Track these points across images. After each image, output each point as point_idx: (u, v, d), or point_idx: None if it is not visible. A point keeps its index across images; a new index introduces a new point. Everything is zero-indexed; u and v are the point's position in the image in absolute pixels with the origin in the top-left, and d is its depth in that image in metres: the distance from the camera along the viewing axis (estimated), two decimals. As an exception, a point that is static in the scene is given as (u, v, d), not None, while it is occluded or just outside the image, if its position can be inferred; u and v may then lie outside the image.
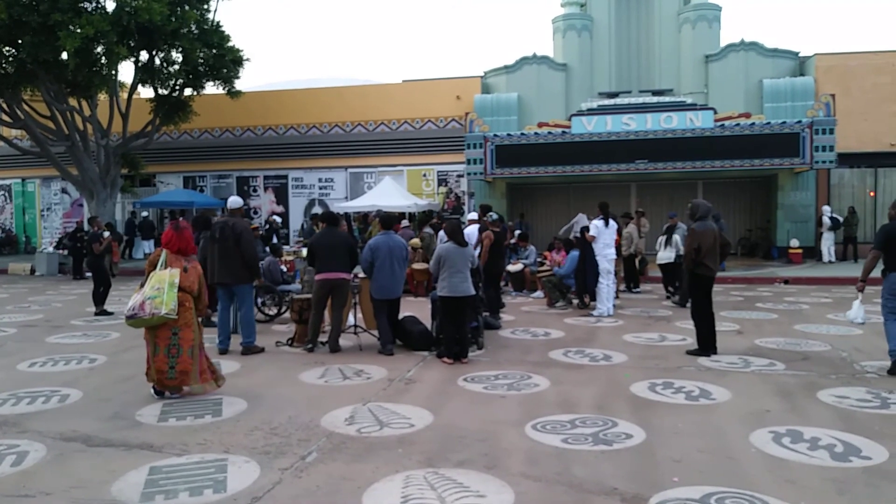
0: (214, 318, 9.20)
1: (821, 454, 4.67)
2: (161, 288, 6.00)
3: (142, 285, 6.19)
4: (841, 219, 18.80)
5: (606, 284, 10.98)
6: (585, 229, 11.37)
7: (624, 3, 22.72)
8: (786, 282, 15.54)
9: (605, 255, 10.99)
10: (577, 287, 11.80)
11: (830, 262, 18.49)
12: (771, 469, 4.45)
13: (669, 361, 7.63)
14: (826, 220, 18.60)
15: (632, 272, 14.11)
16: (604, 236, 11.03)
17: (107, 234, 12.76)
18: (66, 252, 19.79)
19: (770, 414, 5.61)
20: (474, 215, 12.39)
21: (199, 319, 6.42)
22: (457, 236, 7.97)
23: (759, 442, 4.92)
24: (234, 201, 8.78)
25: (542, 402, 6.01)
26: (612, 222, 11.18)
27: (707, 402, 6.00)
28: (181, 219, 7.57)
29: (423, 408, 5.84)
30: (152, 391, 6.28)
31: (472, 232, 11.85)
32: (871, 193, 20.57)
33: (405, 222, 17.85)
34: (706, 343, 7.94)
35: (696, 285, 8.03)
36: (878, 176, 20.53)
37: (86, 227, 20.76)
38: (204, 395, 6.28)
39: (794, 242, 19.20)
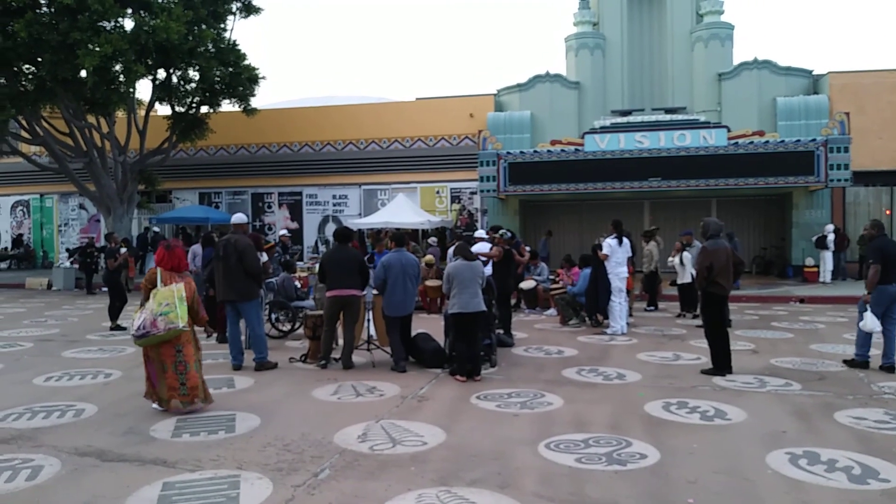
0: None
1: (838, 476, 4.61)
2: (171, 303, 6.07)
3: (142, 304, 6.24)
4: (831, 238, 18.44)
5: (619, 302, 10.95)
6: (598, 247, 11.34)
7: (637, 21, 22.82)
8: (801, 301, 15.41)
9: (618, 273, 10.97)
10: (588, 306, 11.76)
11: (824, 282, 18.24)
12: (787, 491, 4.39)
13: (684, 381, 7.58)
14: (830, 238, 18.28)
15: (652, 290, 14.05)
16: (616, 255, 11.02)
17: (123, 250, 12.86)
18: (77, 267, 19.99)
19: (786, 435, 5.55)
20: (482, 233, 12.43)
21: (215, 336, 6.50)
22: (464, 251, 8.01)
23: (776, 463, 4.87)
24: (238, 217, 8.82)
25: (555, 421, 5.98)
26: (625, 240, 11.15)
27: (722, 422, 5.95)
28: (172, 238, 7.77)
29: (436, 425, 5.83)
30: (156, 406, 6.33)
31: (481, 249, 11.86)
32: (888, 212, 20.41)
33: (433, 239, 17.85)
34: (721, 362, 7.88)
35: (710, 304, 7.99)
36: (894, 194, 20.38)
37: (97, 243, 20.98)
38: (217, 411, 6.31)
39: (810, 261, 19.05)
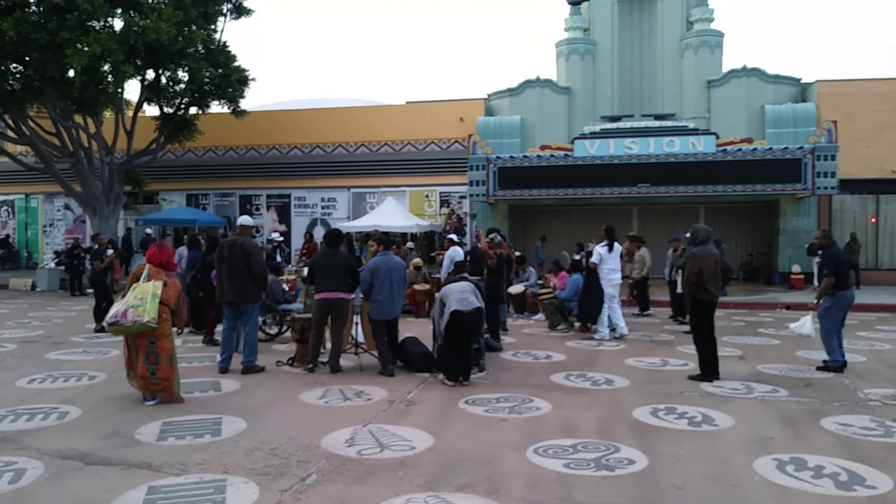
0: (218, 338, 9.17)
1: (825, 483, 4.63)
2: (144, 298, 6.44)
3: (123, 296, 6.66)
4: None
5: (607, 307, 10.91)
6: (588, 255, 11.30)
7: (627, 28, 22.93)
8: (788, 307, 15.50)
9: (611, 279, 10.92)
10: (581, 313, 11.68)
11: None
12: (775, 497, 4.40)
13: (672, 386, 7.59)
14: None
15: (643, 296, 14.09)
16: (608, 262, 10.96)
17: (110, 251, 12.75)
18: (63, 268, 19.81)
19: (773, 441, 5.57)
20: (453, 236, 12.61)
21: (204, 339, 6.70)
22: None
23: (763, 469, 4.88)
24: (245, 220, 8.81)
25: (543, 426, 5.97)
26: (616, 246, 11.09)
27: (710, 428, 5.97)
28: (164, 239, 8.11)
29: (424, 430, 5.80)
30: (146, 401, 6.61)
31: (455, 253, 11.88)
32: (873, 220, 20.60)
33: (410, 244, 17.88)
34: (709, 368, 7.90)
35: (699, 310, 8.01)
36: (880, 202, 20.57)
37: (83, 244, 20.81)
38: (203, 414, 6.28)
39: (796, 268, 19.19)
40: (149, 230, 23.16)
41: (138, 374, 6.53)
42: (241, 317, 8.39)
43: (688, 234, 8.72)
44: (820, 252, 8.82)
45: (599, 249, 10.98)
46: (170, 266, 7.01)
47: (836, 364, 8.33)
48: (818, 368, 8.45)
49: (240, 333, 8.66)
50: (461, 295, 7.73)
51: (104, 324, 6.67)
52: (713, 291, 7.91)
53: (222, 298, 8.35)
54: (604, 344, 10.51)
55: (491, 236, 11.14)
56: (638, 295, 14.16)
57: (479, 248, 10.82)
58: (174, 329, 6.82)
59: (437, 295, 8.14)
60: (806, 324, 8.35)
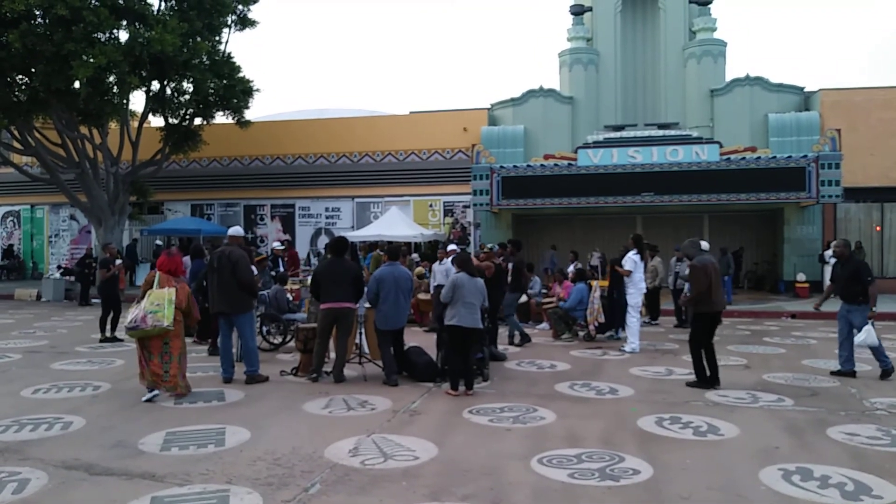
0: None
1: (831, 493, 4.60)
2: (161, 304, 7.04)
3: (138, 302, 7.20)
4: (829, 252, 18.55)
5: (635, 319, 10.81)
6: (618, 263, 11.17)
7: (630, 37, 22.99)
8: (793, 316, 15.45)
9: (640, 288, 10.85)
10: (607, 321, 11.64)
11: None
12: (781, 507, 4.38)
13: (676, 396, 7.56)
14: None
15: (655, 305, 14.06)
16: (639, 270, 10.88)
17: (119, 261, 12.78)
18: (73, 278, 19.85)
19: (779, 451, 5.54)
20: (454, 246, 12.57)
21: (209, 349, 7.10)
22: (467, 266, 7.99)
23: (769, 479, 4.85)
24: (235, 230, 8.81)
25: (548, 436, 5.95)
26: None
27: (715, 437, 5.94)
28: (173, 247, 8.68)
29: (428, 440, 5.78)
30: (147, 393, 7.16)
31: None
32: (878, 228, 20.55)
33: (415, 255, 17.86)
34: (712, 375, 7.91)
35: (704, 320, 8.04)
36: (885, 211, 20.53)
37: (94, 253, 20.89)
38: (207, 424, 6.27)
39: (801, 276, 19.12)
40: (158, 241, 23.29)
41: (151, 371, 7.11)
42: (236, 328, 8.35)
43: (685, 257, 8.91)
44: (834, 260, 8.90)
45: (633, 257, 10.85)
46: (178, 272, 7.65)
47: (889, 368, 8.38)
48: (832, 373, 8.63)
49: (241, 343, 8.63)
50: (468, 308, 7.68)
51: (124, 329, 7.32)
52: (716, 302, 7.96)
53: (214, 309, 8.37)
54: (608, 353, 10.48)
55: (490, 246, 11.10)
56: (648, 304, 14.10)
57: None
58: (192, 341, 7.42)
59: (450, 280, 7.96)
60: (871, 334, 8.23)
